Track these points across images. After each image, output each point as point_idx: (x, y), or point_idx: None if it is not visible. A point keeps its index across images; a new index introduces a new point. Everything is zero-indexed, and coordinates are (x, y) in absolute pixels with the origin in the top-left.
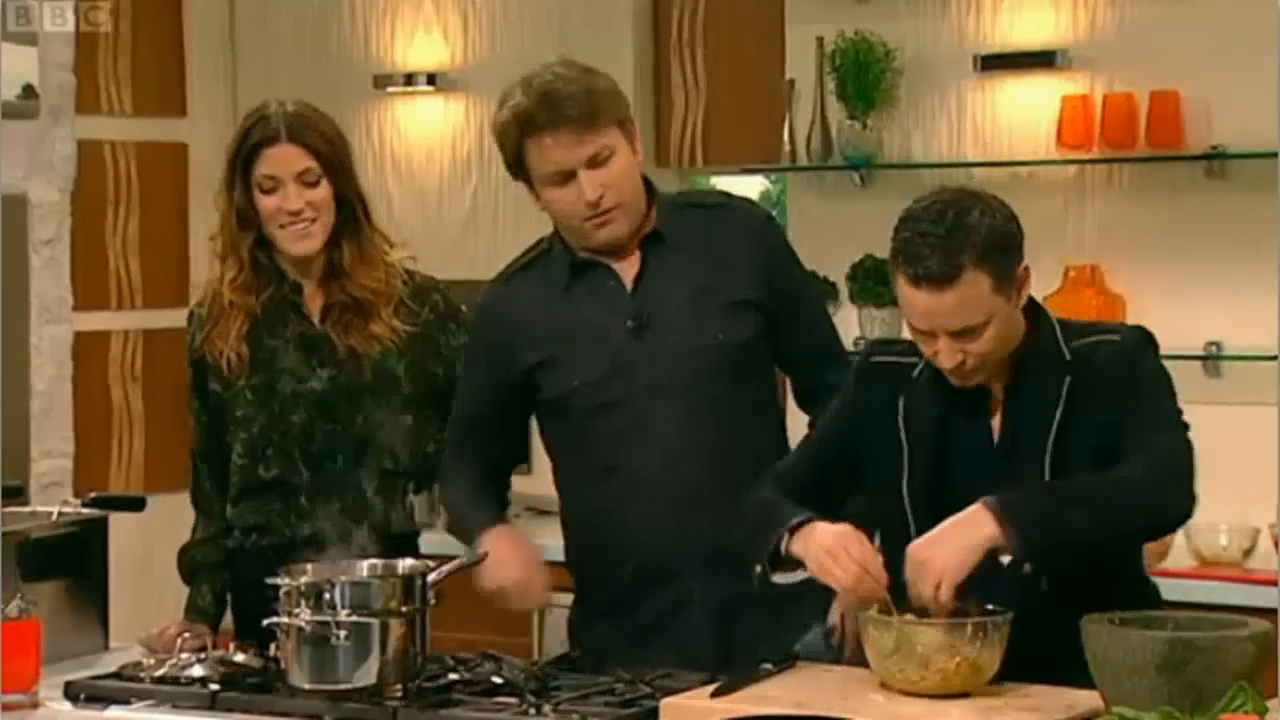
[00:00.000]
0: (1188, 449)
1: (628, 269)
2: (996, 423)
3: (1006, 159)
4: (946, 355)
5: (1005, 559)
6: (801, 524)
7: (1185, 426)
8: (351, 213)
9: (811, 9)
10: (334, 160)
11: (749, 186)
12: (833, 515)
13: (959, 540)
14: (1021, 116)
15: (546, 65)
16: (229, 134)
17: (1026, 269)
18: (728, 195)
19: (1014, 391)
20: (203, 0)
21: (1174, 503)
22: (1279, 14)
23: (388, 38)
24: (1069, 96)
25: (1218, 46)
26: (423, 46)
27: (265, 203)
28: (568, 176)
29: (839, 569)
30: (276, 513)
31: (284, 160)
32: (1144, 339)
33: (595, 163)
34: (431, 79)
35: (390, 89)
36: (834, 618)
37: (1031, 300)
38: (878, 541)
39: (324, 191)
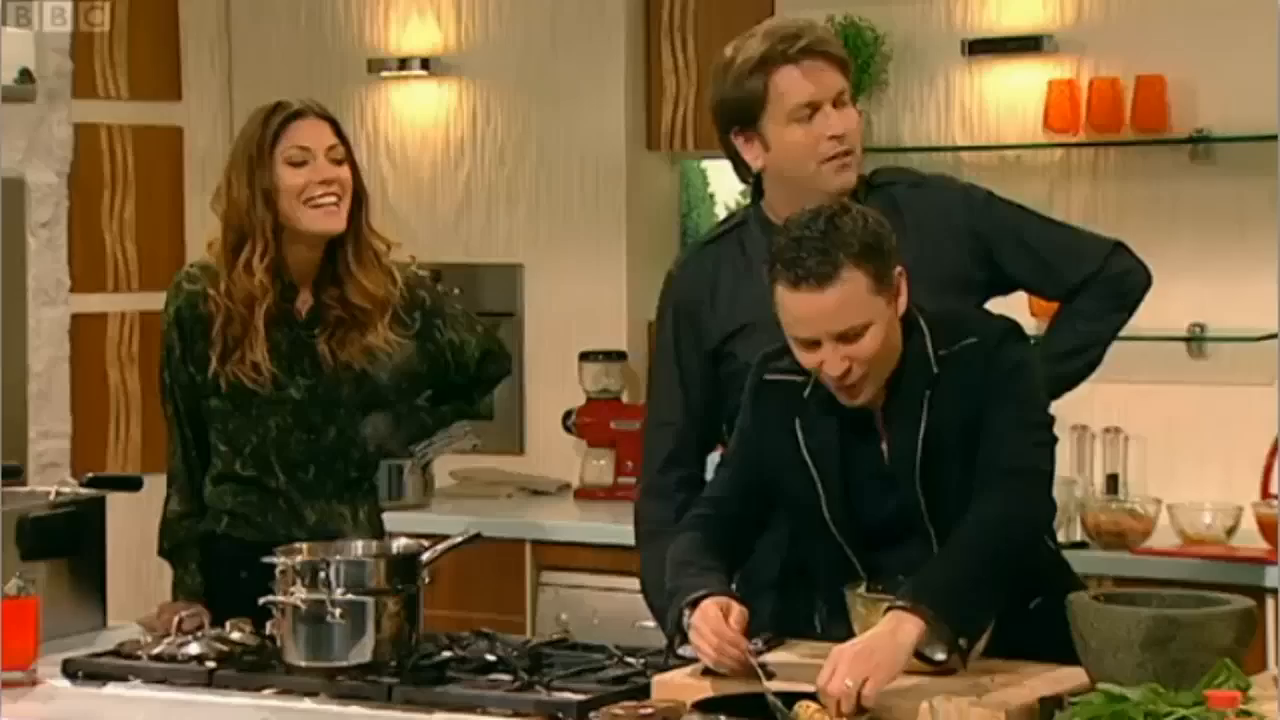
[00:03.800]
0: (1038, 449)
1: None
2: (885, 445)
3: (994, 143)
4: (832, 363)
5: (939, 656)
6: (695, 600)
7: (1042, 423)
8: (356, 211)
9: None
10: (350, 148)
11: None
12: (760, 530)
13: (888, 650)
14: (1009, 100)
15: (791, 20)
16: (224, 118)
17: (901, 273)
18: (922, 175)
19: (889, 411)
20: None
21: (1044, 512)
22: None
23: (381, 22)
24: (1055, 81)
25: (1203, 31)
26: (416, 31)
27: (293, 177)
28: (814, 110)
29: (703, 645)
30: (254, 506)
31: (315, 132)
32: (1004, 332)
33: (841, 102)
34: (425, 63)
35: (384, 73)
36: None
37: (907, 312)
38: None
39: (347, 173)
